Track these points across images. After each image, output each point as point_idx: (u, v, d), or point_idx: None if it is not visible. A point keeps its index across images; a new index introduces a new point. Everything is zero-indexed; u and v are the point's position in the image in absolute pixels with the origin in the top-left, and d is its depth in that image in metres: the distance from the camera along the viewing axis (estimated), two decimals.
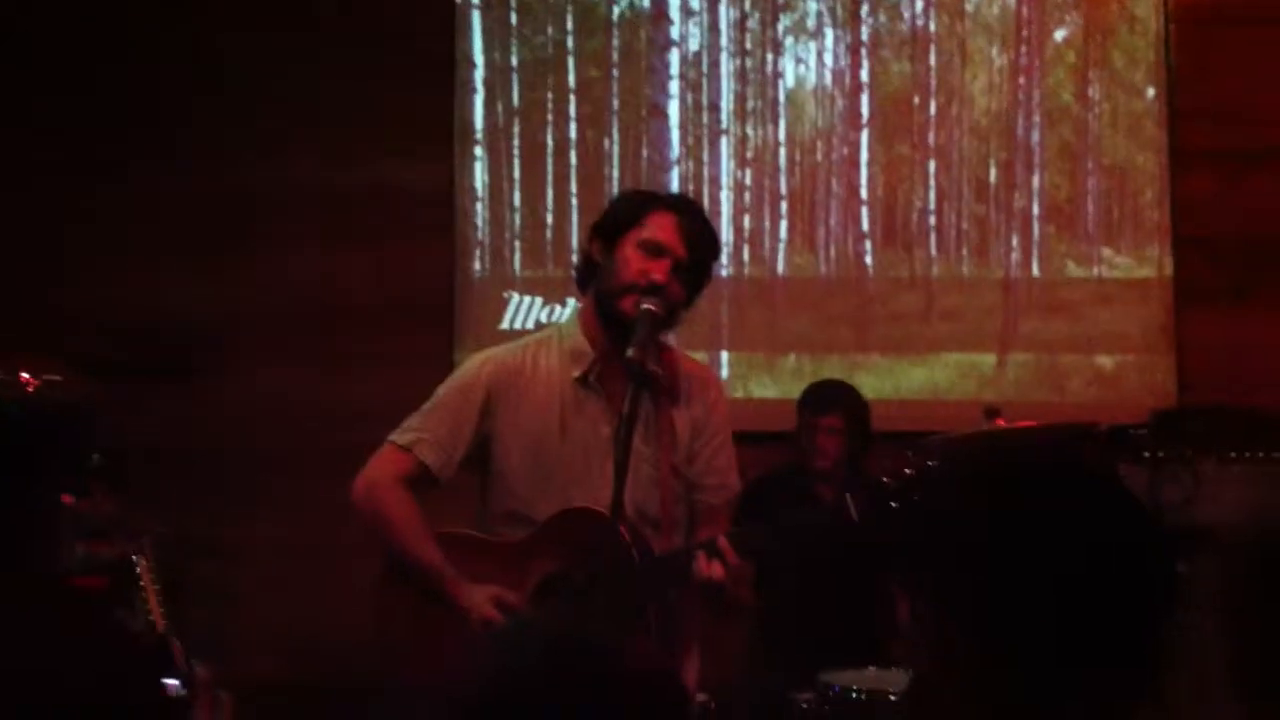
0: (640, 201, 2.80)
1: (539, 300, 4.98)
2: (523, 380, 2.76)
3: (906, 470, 2.40)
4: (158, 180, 4.95)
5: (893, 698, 3.08)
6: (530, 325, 4.92)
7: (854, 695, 3.12)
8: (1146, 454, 3.34)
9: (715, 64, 5.03)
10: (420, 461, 2.74)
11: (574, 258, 5.01)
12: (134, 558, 3.11)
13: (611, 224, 2.76)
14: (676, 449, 2.75)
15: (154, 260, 4.91)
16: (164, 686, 2.76)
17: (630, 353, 2.61)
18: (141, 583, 3.10)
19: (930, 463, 2.33)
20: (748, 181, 5.01)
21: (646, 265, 2.68)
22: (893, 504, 2.39)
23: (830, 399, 4.08)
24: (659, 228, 2.71)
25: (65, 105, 5.00)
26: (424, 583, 2.69)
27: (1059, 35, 4.93)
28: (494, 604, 2.62)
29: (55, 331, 4.29)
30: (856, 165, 4.96)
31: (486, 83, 5.08)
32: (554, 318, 4.93)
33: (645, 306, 2.65)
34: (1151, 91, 4.82)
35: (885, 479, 2.43)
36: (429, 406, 2.80)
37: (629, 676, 1.00)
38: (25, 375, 3.17)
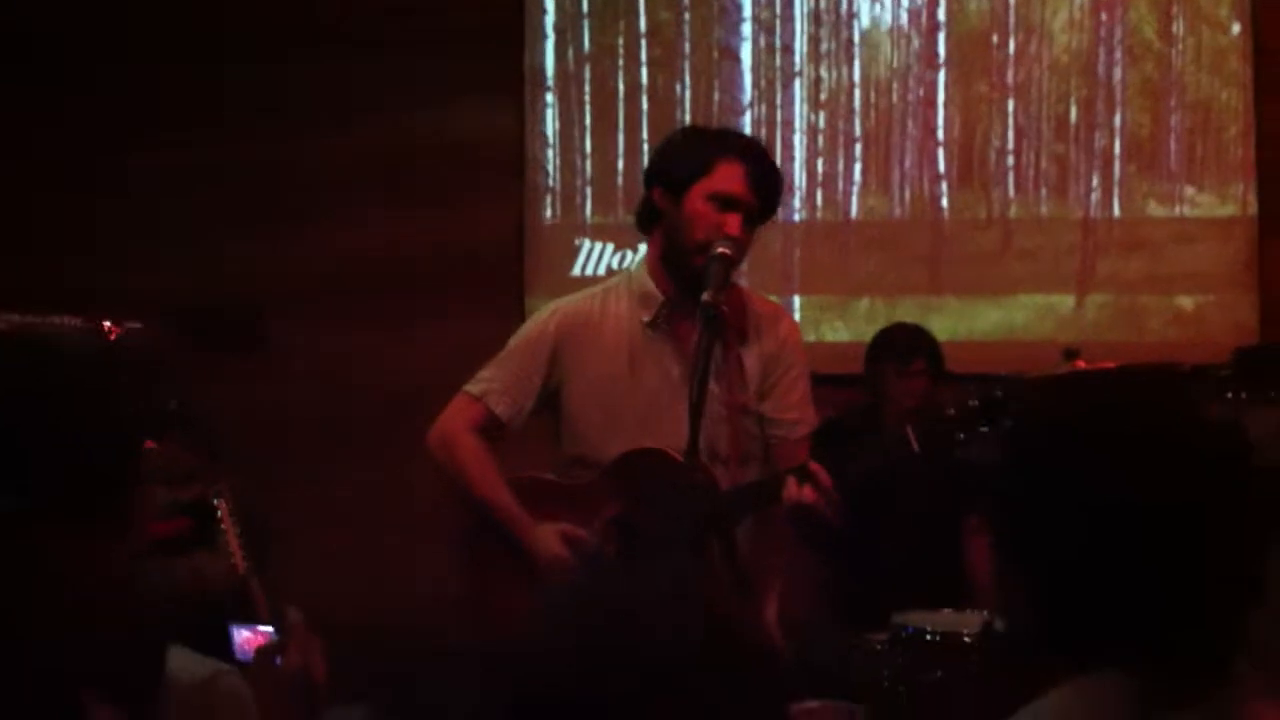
0: (706, 148, 2.75)
1: (610, 246, 4.98)
2: (591, 328, 2.78)
3: (972, 402, 2.38)
4: (217, 146, 4.99)
5: (967, 639, 3.05)
6: (602, 271, 4.92)
7: (928, 636, 3.10)
8: (1230, 394, 3.27)
9: (788, 4, 4.97)
10: (490, 410, 2.80)
11: None
12: (214, 501, 3.17)
13: (677, 172, 2.73)
14: (745, 387, 2.75)
15: (215, 229, 4.96)
16: (236, 633, 2.81)
17: (705, 296, 2.60)
18: (223, 525, 3.15)
19: (997, 393, 2.30)
20: (821, 124, 4.95)
21: (720, 219, 2.66)
22: (959, 435, 2.37)
23: (914, 344, 4.05)
24: (729, 179, 2.68)
25: (113, 74, 5.05)
26: (497, 526, 2.75)
27: None
28: (561, 541, 2.66)
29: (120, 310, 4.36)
30: (933, 105, 4.89)
31: (557, 28, 5.06)
32: (625, 264, 4.92)
33: (719, 250, 2.64)
34: (1237, 27, 4.68)
35: (950, 410, 2.41)
36: (501, 356, 2.86)
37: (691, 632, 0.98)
38: (107, 324, 3.24)
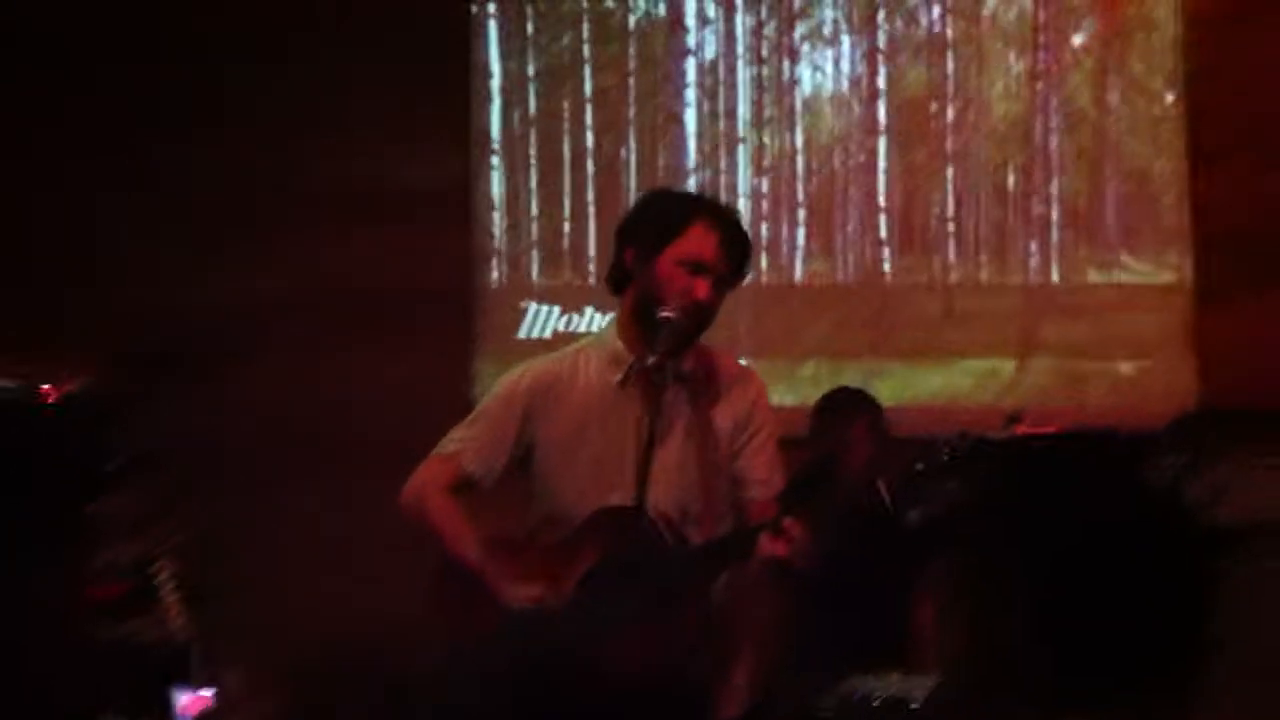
0: (679, 211, 2.76)
1: (556, 309, 4.98)
2: (562, 387, 2.79)
3: (943, 456, 2.39)
4: (161, 181, 4.95)
5: (914, 706, 3.06)
6: (548, 334, 4.93)
7: (874, 703, 3.10)
8: (1169, 458, 3.32)
9: (732, 71, 5.04)
10: (463, 470, 2.79)
11: (591, 266, 5.03)
12: (157, 563, 3.12)
13: (649, 234, 2.73)
14: (718, 446, 2.75)
15: (155, 259, 4.91)
16: (176, 696, 2.77)
17: (650, 360, 2.62)
18: (163, 591, 3.10)
19: (961, 447, 2.31)
20: (765, 189, 5.01)
21: (689, 283, 2.66)
22: (929, 489, 2.38)
23: (853, 403, 4.07)
24: (701, 243, 2.68)
25: (74, 103, 5.02)
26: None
27: (1076, 40, 4.92)
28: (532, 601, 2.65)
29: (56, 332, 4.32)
30: (874, 172, 4.96)
31: (503, 91, 5.09)
32: (572, 326, 4.93)
33: (664, 314, 2.65)
34: (1170, 96, 4.80)
35: (919, 465, 2.42)
36: (472, 416, 2.86)
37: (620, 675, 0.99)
38: (45, 387, 3.18)
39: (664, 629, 2.55)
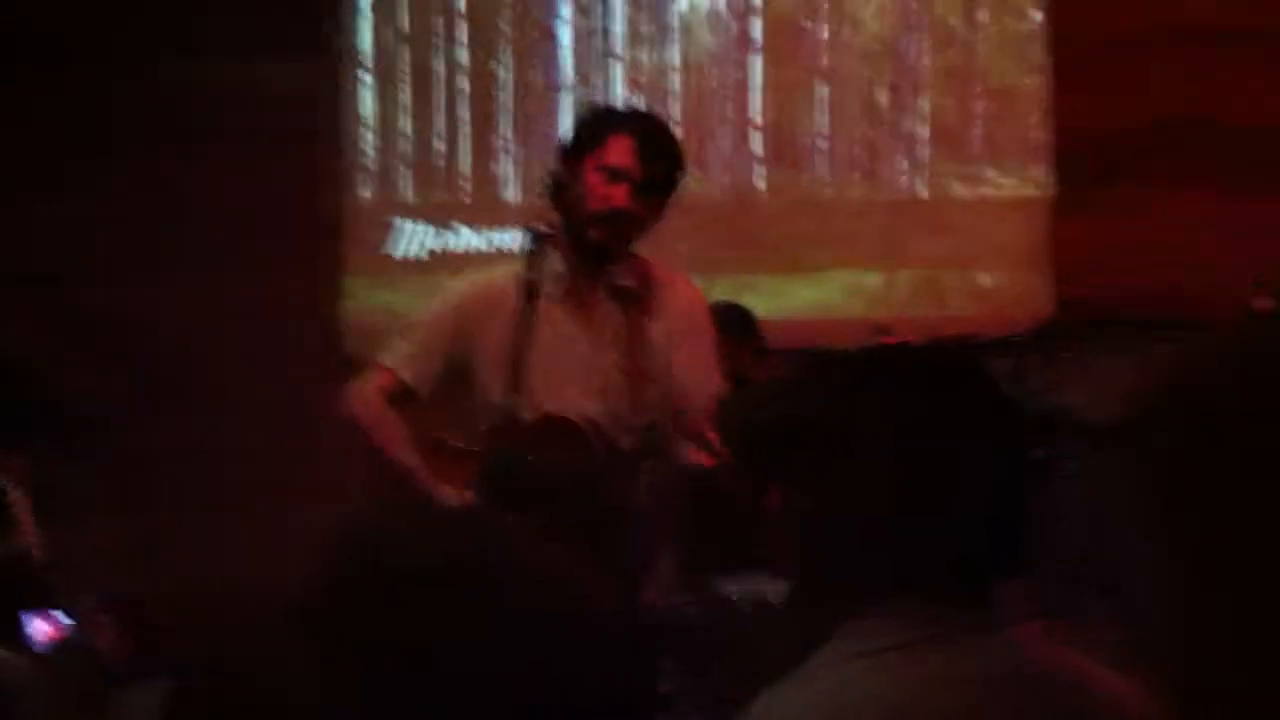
0: (600, 123, 2.88)
1: (431, 228, 4.95)
2: (494, 297, 2.86)
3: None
4: (23, 85, 4.83)
5: (772, 601, 3.12)
6: (422, 254, 4.91)
7: (735, 600, 3.16)
8: (1020, 359, 3.42)
9: None
10: (399, 379, 2.89)
11: (464, 184, 5.01)
12: (6, 487, 3.07)
13: (574, 144, 2.85)
14: (650, 356, 2.82)
15: (18, 170, 4.80)
16: (28, 620, 2.74)
17: (530, 274, 2.74)
18: (14, 510, 3.06)
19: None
20: (640, 106, 5.00)
21: (608, 190, 2.74)
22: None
23: (734, 318, 4.12)
24: (616, 152, 2.76)
25: None
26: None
27: None
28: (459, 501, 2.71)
29: None
30: (747, 89, 4.97)
31: (374, 6, 5.01)
32: (444, 245, 4.91)
33: (536, 228, 2.77)
34: (1037, 15, 4.87)
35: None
36: (410, 325, 3.00)
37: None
38: None
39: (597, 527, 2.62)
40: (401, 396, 2.90)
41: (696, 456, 2.71)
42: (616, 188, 2.75)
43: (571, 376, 2.79)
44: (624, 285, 2.81)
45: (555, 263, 2.83)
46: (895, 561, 1.32)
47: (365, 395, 2.92)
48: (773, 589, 3.24)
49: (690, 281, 3.04)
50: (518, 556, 1.01)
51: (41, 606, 2.92)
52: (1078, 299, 4.50)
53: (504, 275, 2.93)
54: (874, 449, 1.33)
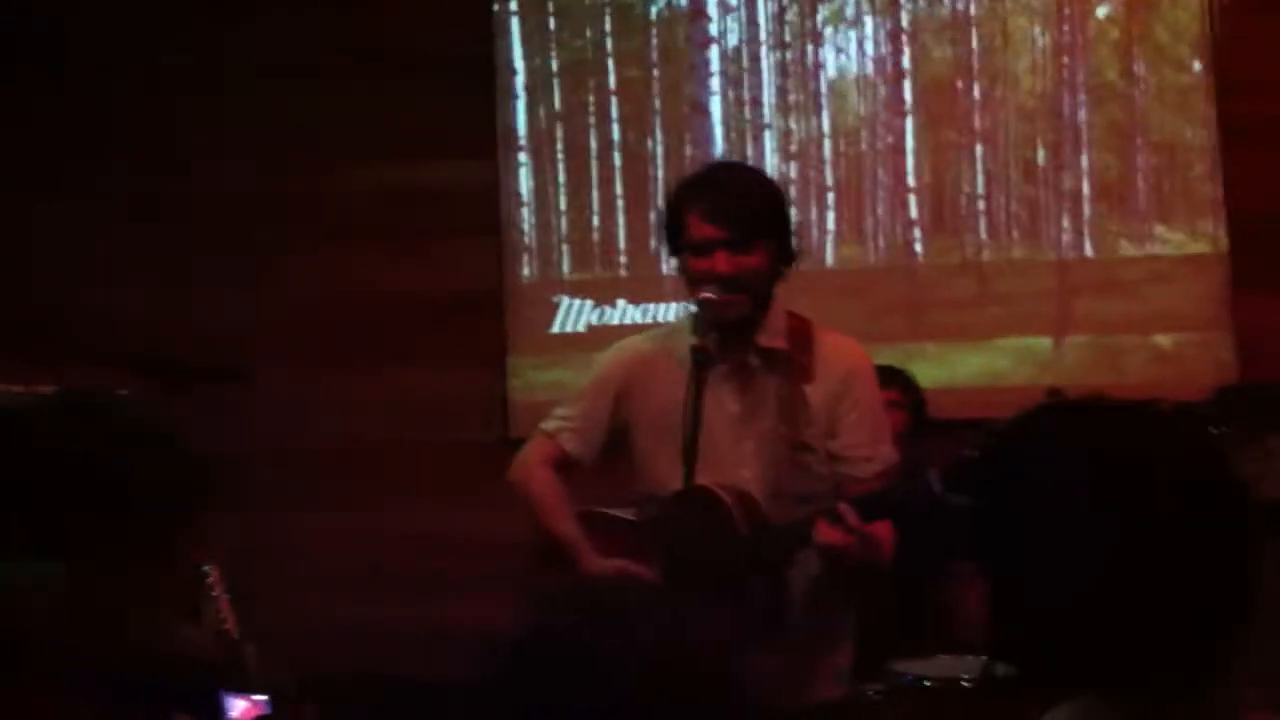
0: (675, 207, 2.84)
1: (589, 303, 4.99)
2: (655, 366, 2.87)
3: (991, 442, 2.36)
4: (193, 183, 5.00)
5: (966, 684, 3.06)
6: (581, 328, 4.94)
7: (926, 684, 3.10)
8: (1213, 429, 3.29)
9: (755, 58, 5.03)
10: (562, 449, 2.93)
11: (621, 258, 5.04)
12: (205, 567, 3.14)
13: (670, 240, 2.85)
14: (812, 424, 2.76)
15: (189, 265, 4.96)
16: (230, 702, 2.79)
17: (693, 342, 2.68)
18: (214, 592, 3.12)
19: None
20: (793, 175, 4.99)
21: (704, 265, 2.74)
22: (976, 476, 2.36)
23: (885, 377, 4.08)
24: (694, 227, 2.76)
25: (85, 106, 5.04)
26: (565, 559, 2.84)
27: (1101, 12, 4.88)
28: (615, 573, 2.70)
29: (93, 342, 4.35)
30: (902, 153, 4.93)
31: (527, 88, 5.10)
32: (604, 319, 4.94)
33: (704, 296, 2.69)
34: (1198, 65, 4.76)
35: (968, 451, 2.40)
36: (574, 395, 3.02)
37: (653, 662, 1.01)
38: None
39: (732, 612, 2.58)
40: (565, 465, 2.93)
41: (827, 534, 2.61)
42: (709, 259, 2.72)
43: (730, 446, 2.75)
44: (772, 347, 2.78)
45: (709, 332, 2.80)
46: (1100, 649, 1.27)
47: (529, 464, 2.94)
48: (962, 668, 3.17)
49: (852, 341, 2.96)
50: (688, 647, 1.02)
51: (240, 688, 2.97)
52: (1260, 362, 4.34)
53: (656, 341, 2.95)
54: (1089, 525, 1.28)
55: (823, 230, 4.95)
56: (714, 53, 5.05)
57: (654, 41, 5.08)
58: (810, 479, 2.77)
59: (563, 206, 5.08)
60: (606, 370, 2.95)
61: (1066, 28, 4.87)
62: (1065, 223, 4.81)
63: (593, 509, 2.92)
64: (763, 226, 2.77)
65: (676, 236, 2.80)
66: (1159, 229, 4.73)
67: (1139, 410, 1.41)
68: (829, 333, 2.93)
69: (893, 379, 4.06)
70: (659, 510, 2.79)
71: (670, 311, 4.70)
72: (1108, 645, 1.29)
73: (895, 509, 2.66)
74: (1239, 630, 1.30)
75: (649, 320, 4.87)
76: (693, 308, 2.85)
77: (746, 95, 5.03)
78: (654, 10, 5.08)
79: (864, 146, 4.97)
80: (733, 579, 2.63)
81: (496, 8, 5.08)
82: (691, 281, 2.78)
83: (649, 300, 4.92)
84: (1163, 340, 4.69)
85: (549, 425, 2.97)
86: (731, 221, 2.73)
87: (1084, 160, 4.81)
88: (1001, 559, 1.37)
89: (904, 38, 4.95)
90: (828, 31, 4.99)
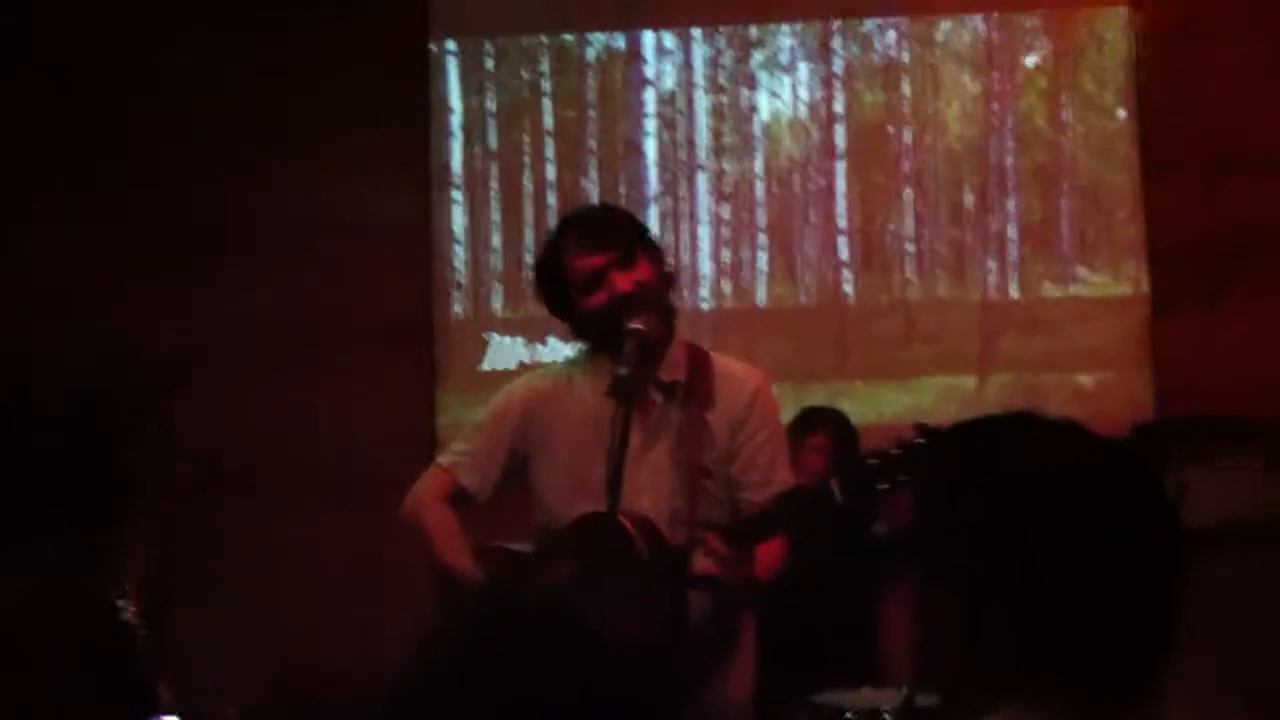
0: (549, 268, 2.79)
1: (520, 340, 5.00)
2: (556, 400, 2.83)
3: (894, 450, 2.37)
4: (128, 208, 4.97)
5: (887, 717, 3.06)
6: (512, 365, 4.94)
7: (847, 716, 3.10)
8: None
9: (690, 101, 5.08)
10: (458, 482, 2.86)
11: None
12: (120, 602, 3.10)
13: (554, 303, 2.80)
14: (711, 450, 2.76)
15: (119, 292, 4.92)
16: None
17: (620, 371, 2.63)
18: (131, 626, 3.09)
19: (919, 440, 2.28)
20: (726, 215, 5.04)
21: (601, 296, 2.70)
22: (881, 485, 2.37)
23: (814, 420, 4.11)
24: (574, 269, 2.72)
25: (25, 134, 5.04)
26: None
27: (1029, 60, 4.98)
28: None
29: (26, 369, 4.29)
30: (833, 195, 5.00)
31: (464, 127, 5.12)
32: (535, 356, 4.95)
33: (632, 326, 2.67)
34: (1122, 112, 4.86)
35: (871, 460, 2.40)
36: (471, 430, 2.94)
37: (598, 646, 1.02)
38: None
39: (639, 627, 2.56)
40: (461, 499, 2.86)
41: (702, 564, 2.60)
42: (604, 289, 2.68)
43: (630, 474, 2.67)
44: (671, 380, 2.75)
45: (606, 365, 2.73)
46: (1025, 665, 1.27)
47: (422, 498, 2.87)
48: (883, 700, 3.18)
49: (751, 368, 2.92)
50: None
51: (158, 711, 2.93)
52: (1177, 399, 4.42)
53: (552, 377, 2.89)
54: (1027, 532, 1.28)
55: (754, 270, 5.00)
56: (649, 95, 5.10)
57: (590, 83, 5.13)
58: (710, 504, 2.75)
59: (496, 244, 5.10)
60: (505, 404, 2.89)
61: (995, 75, 4.97)
62: (991, 264, 4.88)
63: (488, 544, 2.85)
64: (636, 239, 2.78)
65: (559, 295, 2.76)
66: (1082, 270, 4.82)
67: (1067, 429, 1.42)
68: (727, 360, 2.92)
69: (818, 424, 4.08)
70: (556, 538, 2.75)
71: None
72: (1032, 661, 1.29)
73: (788, 522, 2.66)
74: (1163, 652, 1.31)
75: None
76: (580, 348, 2.85)
77: (681, 137, 5.08)
78: (591, 52, 5.13)
79: (796, 188, 5.03)
80: (633, 599, 2.61)
81: (434, 47, 5.11)
82: (588, 327, 2.74)
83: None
84: (1084, 379, 4.76)
85: (445, 459, 2.92)
86: (610, 241, 2.72)
87: (1010, 203, 4.89)
88: (930, 575, 1.37)
89: (836, 83, 5.03)
90: (762, 76, 5.06)
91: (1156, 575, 1.27)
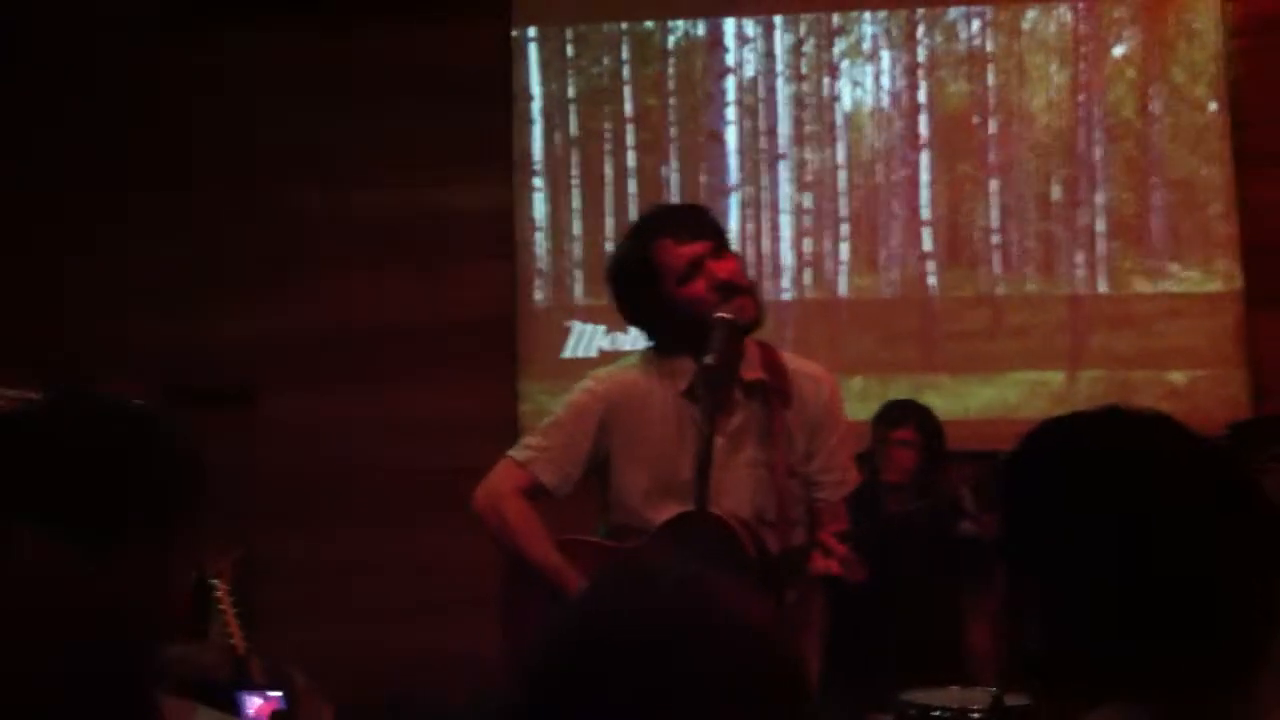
0: (637, 255, 2.76)
1: (602, 328, 4.99)
2: (637, 397, 2.79)
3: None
4: (214, 207, 5.02)
5: (976, 716, 3.03)
6: (594, 353, 4.93)
7: (935, 714, 3.08)
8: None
9: (772, 89, 5.04)
10: (536, 478, 2.80)
11: None
12: (213, 581, 3.13)
13: (638, 294, 2.76)
14: (792, 450, 2.76)
15: (213, 287, 4.97)
16: (246, 700, 2.78)
17: (708, 359, 2.60)
18: (221, 605, 3.11)
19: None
20: (808, 205, 5.00)
21: (703, 283, 2.68)
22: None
23: (902, 413, 4.08)
24: (672, 255, 2.70)
25: (104, 127, 5.07)
26: (547, 584, 2.73)
27: (1118, 51, 4.90)
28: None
29: (112, 364, 4.36)
30: (916, 186, 4.94)
31: (544, 113, 5.11)
32: (616, 345, 4.94)
33: (719, 315, 2.65)
34: (1213, 105, 4.77)
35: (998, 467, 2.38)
36: (547, 424, 2.87)
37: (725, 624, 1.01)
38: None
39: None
40: (536, 494, 2.80)
41: (824, 564, 2.62)
42: (704, 278, 2.67)
43: (717, 475, 2.65)
44: (753, 379, 2.74)
45: (683, 363, 2.74)
46: (1127, 652, 1.25)
47: (500, 492, 2.79)
48: (971, 700, 3.14)
49: (822, 368, 2.91)
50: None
51: (251, 690, 2.95)
52: (1273, 396, 4.34)
53: (636, 371, 2.84)
54: (1108, 527, 1.26)
55: (837, 260, 4.95)
56: (730, 83, 5.06)
57: (671, 70, 5.10)
58: (790, 503, 2.75)
59: (577, 232, 5.09)
60: (586, 400, 2.82)
61: (1083, 65, 4.89)
62: (1079, 258, 4.81)
63: (572, 537, 2.81)
64: (726, 235, 2.80)
65: (646, 285, 2.72)
66: (1173, 266, 4.74)
67: (1155, 418, 1.40)
68: (797, 359, 2.91)
69: (908, 417, 4.05)
70: (660, 536, 2.72)
71: None
72: (1135, 648, 1.27)
73: (919, 529, 2.67)
74: (1265, 632, 1.29)
75: None
76: (648, 349, 2.82)
77: (762, 125, 5.04)
78: (671, 40, 5.10)
79: (879, 179, 4.98)
80: (752, 593, 2.61)
81: (515, 33, 5.10)
82: (683, 317, 2.69)
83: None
84: (1176, 376, 4.68)
85: (520, 454, 2.82)
86: (706, 232, 2.73)
87: (1099, 197, 4.82)
88: (1025, 570, 1.36)
89: (920, 72, 4.97)
90: (844, 65, 5.01)
91: (1245, 567, 1.26)
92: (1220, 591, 1.26)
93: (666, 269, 2.70)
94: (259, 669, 2.93)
